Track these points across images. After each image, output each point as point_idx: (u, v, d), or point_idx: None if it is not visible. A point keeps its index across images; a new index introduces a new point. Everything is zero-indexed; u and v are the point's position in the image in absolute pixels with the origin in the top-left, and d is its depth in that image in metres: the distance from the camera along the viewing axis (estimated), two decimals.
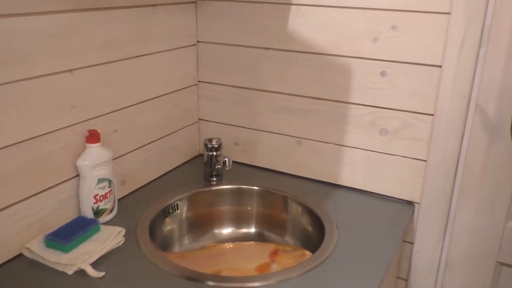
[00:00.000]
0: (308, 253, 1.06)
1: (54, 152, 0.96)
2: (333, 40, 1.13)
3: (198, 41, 1.32)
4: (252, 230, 1.24)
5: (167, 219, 1.13)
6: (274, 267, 1.04)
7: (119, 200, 1.14)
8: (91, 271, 0.87)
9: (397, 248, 1.04)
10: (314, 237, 1.10)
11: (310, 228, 1.14)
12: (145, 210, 1.10)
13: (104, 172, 1.02)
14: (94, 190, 1.01)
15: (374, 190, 1.21)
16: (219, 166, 1.22)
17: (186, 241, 1.18)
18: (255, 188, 1.23)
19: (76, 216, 1.01)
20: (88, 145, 0.99)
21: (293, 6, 1.15)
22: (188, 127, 1.37)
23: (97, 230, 0.98)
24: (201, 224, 1.21)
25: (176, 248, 1.15)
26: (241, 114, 1.32)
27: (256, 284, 0.87)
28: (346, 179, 1.23)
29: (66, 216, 1.01)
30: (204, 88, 1.36)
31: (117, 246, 0.96)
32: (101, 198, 1.02)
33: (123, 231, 0.98)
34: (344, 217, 1.11)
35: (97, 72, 1.02)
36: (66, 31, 0.93)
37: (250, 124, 1.32)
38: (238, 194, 1.23)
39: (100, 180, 1.01)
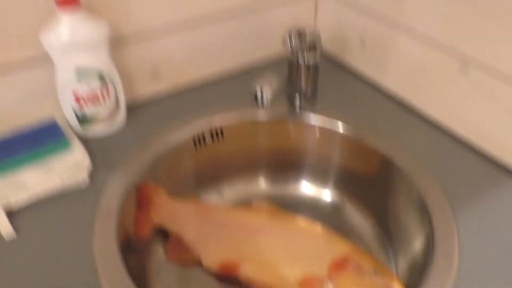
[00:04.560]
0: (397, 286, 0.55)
1: (4, 14, 0.59)
2: None
3: None
4: (327, 195, 0.75)
5: (197, 150, 0.71)
6: None
7: (145, 102, 0.76)
8: (3, 224, 0.54)
9: None
10: (422, 259, 0.57)
11: (419, 240, 0.60)
12: (168, 127, 0.70)
13: (86, 58, 0.62)
14: (71, 84, 0.63)
15: None
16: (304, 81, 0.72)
17: (224, 188, 0.76)
18: (341, 132, 0.70)
19: (51, 119, 0.67)
20: (59, 11, 0.59)
21: None
22: (295, 0, 0.84)
23: (62, 147, 0.62)
24: (250, 167, 0.76)
25: (209, 197, 0.74)
26: None
27: None
28: None
29: (40, 116, 0.68)
30: None
31: (73, 186, 0.60)
32: (86, 98, 0.65)
33: (85, 163, 0.61)
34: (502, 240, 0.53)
35: None
36: None
37: (388, 11, 0.72)
38: (314, 132, 0.72)
39: (81, 71, 0.62)
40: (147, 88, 0.76)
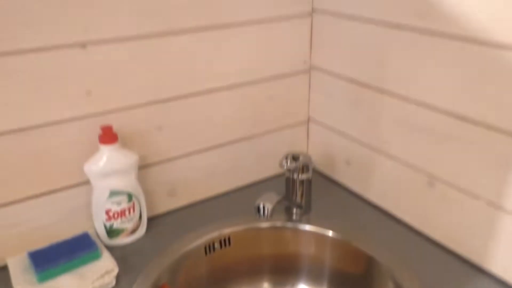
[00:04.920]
0: None
1: (57, 149, 0.74)
2: (505, 18, 0.60)
3: (314, 9, 0.93)
4: None
5: (208, 256, 0.82)
6: None
7: (163, 215, 0.89)
8: None
9: None
10: None
11: None
12: (182, 237, 0.81)
13: (119, 183, 0.76)
14: (105, 203, 0.77)
15: None
16: (299, 196, 0.85)
17: None
18: (330, 236, 0.82)
19: (83, 232, 0.79)
20: (101, 146, 0.75)
21: None
22: (291, 128, 1.00)
23: (95, 257, 0.74)
24: (254, 271, 0.86)
25: None
26: (356, 122, 0.89)
27: None
28: (499, 266, 0.70)
29: (76, 229, 0.80)
30: (318, 77, 0.97)
31: None
32: (116, 215, 0.78)
33: (114, 271, 0.72)
34: None
35: (128, 48, 0.75)
36: None
37: (366, 138, 0.88)
38: (309, 239, 0.84)
39: (114, 193, 0.76)
40: (165, 205, 0.89)
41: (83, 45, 0.71)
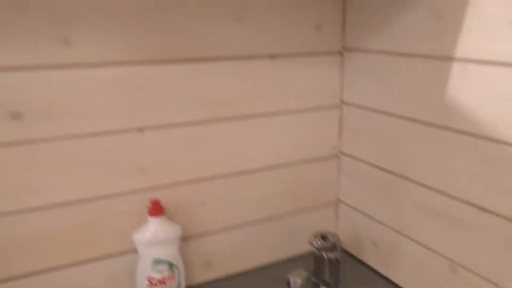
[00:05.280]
0: None
1: (109, 219, 0.84)
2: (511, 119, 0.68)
3: (343, 101, 1.03)
4: None
5: None
6: None
7: (198, 286, 0.95)
8: None
9: None
10: None
11: None
12: None
13: (162, 252, 0.84)
14: (148, 271, 0.84)
15: None
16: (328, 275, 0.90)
17: None
18: None
19: None
20: (149, 217, 0.84)
21: (455, 64, 0.75)
22: (321, 208, 1.07)
23: None
24: None
25: None
26: (382, 206, 0.96)
27: None
28: None
29: None
30: (346, 162, 1.05)
31: None
32: (157, 282, 0.84)
33: None
34: None
35: (179, 132, 0.86)
36: (137, 85, 0.81)
37: (391, 222, 0.94)
38: None
39: (157, 261, 0.84)
40: (200, 276, 0.95)
41: (141, 130, 0.83)
